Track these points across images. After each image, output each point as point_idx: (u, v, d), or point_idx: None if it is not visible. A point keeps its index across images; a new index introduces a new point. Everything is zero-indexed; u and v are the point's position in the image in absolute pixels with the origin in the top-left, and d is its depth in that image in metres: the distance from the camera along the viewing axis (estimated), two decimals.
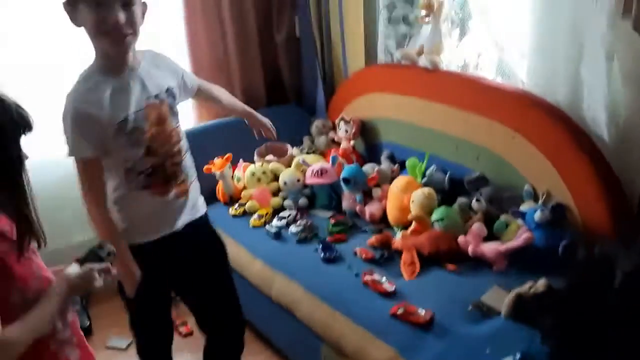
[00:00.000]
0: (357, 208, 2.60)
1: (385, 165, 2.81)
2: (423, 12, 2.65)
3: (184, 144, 1.86)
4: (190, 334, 2.75)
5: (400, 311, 1.91)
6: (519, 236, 2.14)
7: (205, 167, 2.77)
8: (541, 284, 1.87)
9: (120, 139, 1.69)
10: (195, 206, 1.96)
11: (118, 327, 2.77)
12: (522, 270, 2.06)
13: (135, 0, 1.62)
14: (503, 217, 2.30)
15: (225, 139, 3.04)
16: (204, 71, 3.08)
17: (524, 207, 2.25)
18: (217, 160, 2.77)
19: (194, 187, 1.94)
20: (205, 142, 2.95)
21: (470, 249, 2.15)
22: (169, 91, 1.81)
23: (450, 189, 2.51)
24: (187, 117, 3.14)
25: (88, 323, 2.76)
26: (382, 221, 2.56)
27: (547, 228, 2.11)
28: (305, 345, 2.23)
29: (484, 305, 1.91)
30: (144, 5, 1.69)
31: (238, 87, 3.24)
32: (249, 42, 3.25)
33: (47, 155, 2.69)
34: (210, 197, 2.83)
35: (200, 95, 2.10)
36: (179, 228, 1.88)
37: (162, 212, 1.84)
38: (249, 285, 2.46)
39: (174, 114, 1.83)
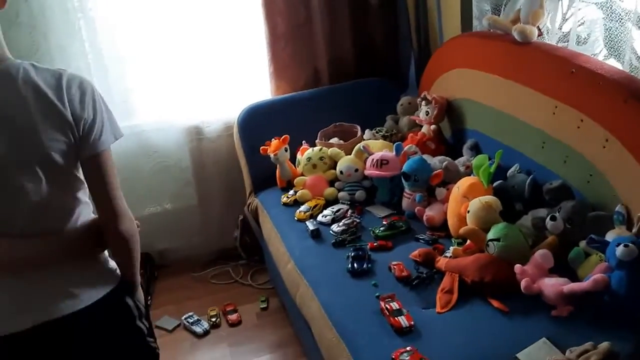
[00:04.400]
0: (416, 209, 2.18)
1: (464, 158, 2.34)
2: None
3: None
4: (238, 323, 2.61)
5: (403, 357, 1.53)
6: (591, 275, 1.60)
7: (262, 147, 2.54)
8: (600, 351, 1.38)
9: None
10: None
11: (175, 305, 2.75)
12: (589, 322, 1.55)
13: None
14: (583, 244, 1.74)
15: (298, 115, 2.78)
16: (280, 40, 2.81)
17: (610, 235, 1.67)
18: (274, 142, 2.51)
19: None
20: (274, 118, 2.74)
21: (523, 284, 1.65)
22: None
23: (531, 197, 1.98)
24: (263, 88, 2.92)
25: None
26: (443, 228, 2.12)
27: (632, 269, 1.54)
28: None
29: None
30: None
31: (323, 57, 2.92)
32: (337, 3, 2.88)
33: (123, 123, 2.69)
34: (271, 178, 2.63)
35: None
36: None
37: None
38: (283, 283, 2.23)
39: None
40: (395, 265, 1.90)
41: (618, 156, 1.67)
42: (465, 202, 1.96)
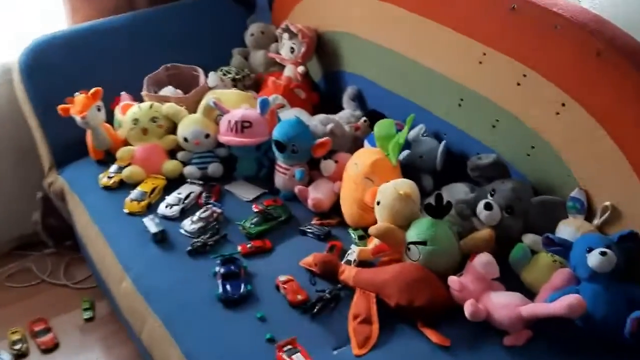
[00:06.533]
0: (297, 189, 1.64)
1: (347, 112, 1.81)
2: None
3: None
4: (54, 347, 1.90)
5: None
6: (557, 288, 1.23)
7: (61, 107, 1.76)
8: None
9: None
10: None
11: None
12: (555, 352, 1.20)
13: None
14: (529, 240, 1.36)
15: (111, 53, 2.01)
16: None
17: (565, 229, 1.30)
18: (79, 98, 1.74)
19: None
20: (75, 58, 1.94)
21: (469, 308, 1.22)
22: None
23: (444, 170, 1.56)
24: (55, 13, 2.06)
25: None
26: (334, 211, 1.62)
27: (610, 282, 1.19)
28: None
29: None
30: None
31: None
32: None
33: None
34: (80, 147, 1.88)
35: None
36: None
37: None
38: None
39: None
40: (284, 283, 1.37)
41: (578, 126, 1.27)
42: (370, 185, 1.46)
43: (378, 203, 1.39)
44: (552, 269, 1.29)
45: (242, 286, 1.36)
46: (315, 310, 1.31)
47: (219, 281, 1.37)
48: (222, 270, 1.39)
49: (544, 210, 1.36)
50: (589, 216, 1.30)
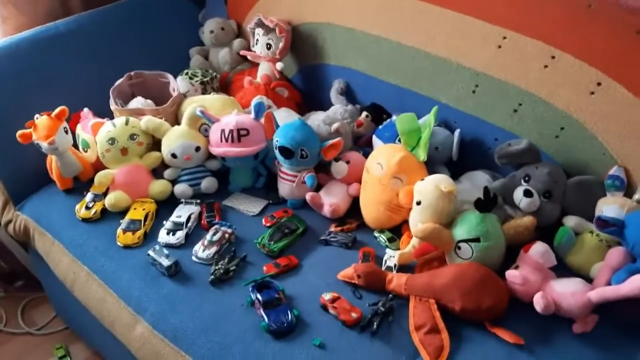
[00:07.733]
0: (308, 197, 1.52)
1: (339, 108, 1.70)
2: None
3: None
4: None
5: None
6: (614, 268, 1.23)
7: (20, 132, 1.50)
8: None
9: None
10: None
11: None
12: (622, 332, 1.18)
13: None
14: (571, 222, 1.35)
15: (60, 63, 1.76)
16: None
17: (608, 208, 1.30)
18: (41, 120, 1.49)
19: None
20: (20, 73, 1.69)
21: (542, 302, 1.18)
22: None
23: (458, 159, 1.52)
24: None
25: None
26: (349, 215, 1.52)
27: None
28: None
29: None
30: None
31: None
32: None
33: None
34: (36, 176, 1.64)
35: None
36: None
37: None
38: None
39: None
40: (332, 302, 1.25)
41: (616, 103, 1.26)
42: (399, 185, 1.39)
43: (418, 203, 1.32)
44: (601, 249, 1.29)
45: (289, 312, 1.24)
46: (375, 327, 1.22)
47: (260, 310, 1.24)
48: (260, 297, 1.26)
49: (580, 191, 1.35)
50: (627, 192, 1.31)
